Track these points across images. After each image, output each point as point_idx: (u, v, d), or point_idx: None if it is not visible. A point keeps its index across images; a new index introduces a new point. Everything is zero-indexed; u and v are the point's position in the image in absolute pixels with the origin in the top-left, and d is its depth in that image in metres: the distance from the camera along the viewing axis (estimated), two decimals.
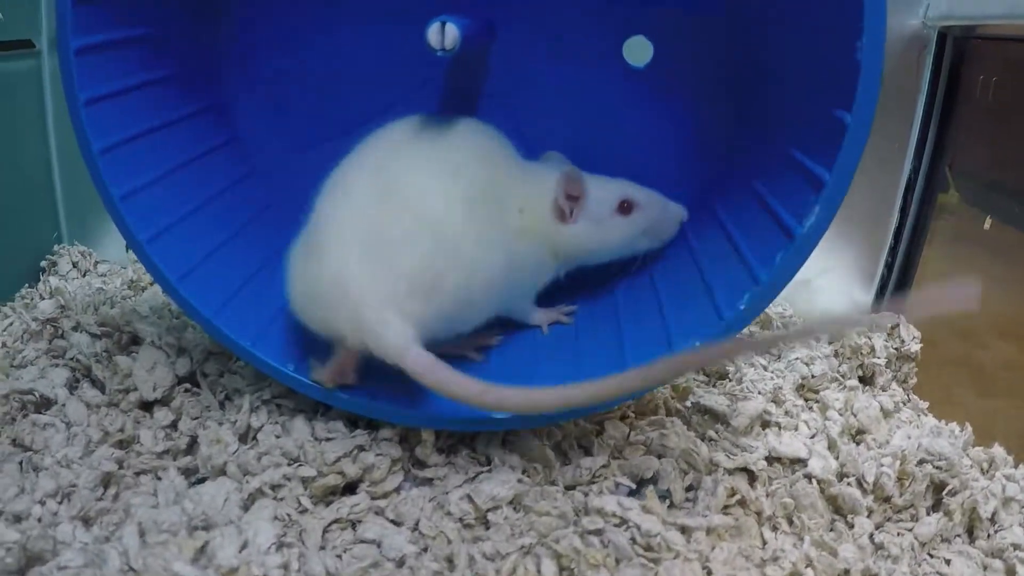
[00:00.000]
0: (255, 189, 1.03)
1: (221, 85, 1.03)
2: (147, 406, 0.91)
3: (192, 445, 0.86)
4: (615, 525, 0.74)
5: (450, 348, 0.86)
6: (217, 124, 1.02)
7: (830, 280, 1.23)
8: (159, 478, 0.81)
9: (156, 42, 0.90)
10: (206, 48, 1.00)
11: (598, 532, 0.73)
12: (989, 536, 0.81)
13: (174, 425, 0.88)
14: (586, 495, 0.80)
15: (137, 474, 0.82)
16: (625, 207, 0.91)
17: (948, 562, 0.78)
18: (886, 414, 0.99)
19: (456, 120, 0.89)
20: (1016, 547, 0.78)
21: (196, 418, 0.89)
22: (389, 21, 0.95)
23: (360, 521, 0.78)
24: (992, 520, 0.82)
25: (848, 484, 0.84)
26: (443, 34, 0.79)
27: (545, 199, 0.89)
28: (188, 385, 0.93)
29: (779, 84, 0.88)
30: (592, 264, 0.95)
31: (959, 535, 0.82)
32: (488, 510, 0.78)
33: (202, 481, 0.81)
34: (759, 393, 0.98)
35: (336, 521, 0.77)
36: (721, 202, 0.93)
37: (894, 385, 1.08)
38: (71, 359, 0.98)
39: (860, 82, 0.66)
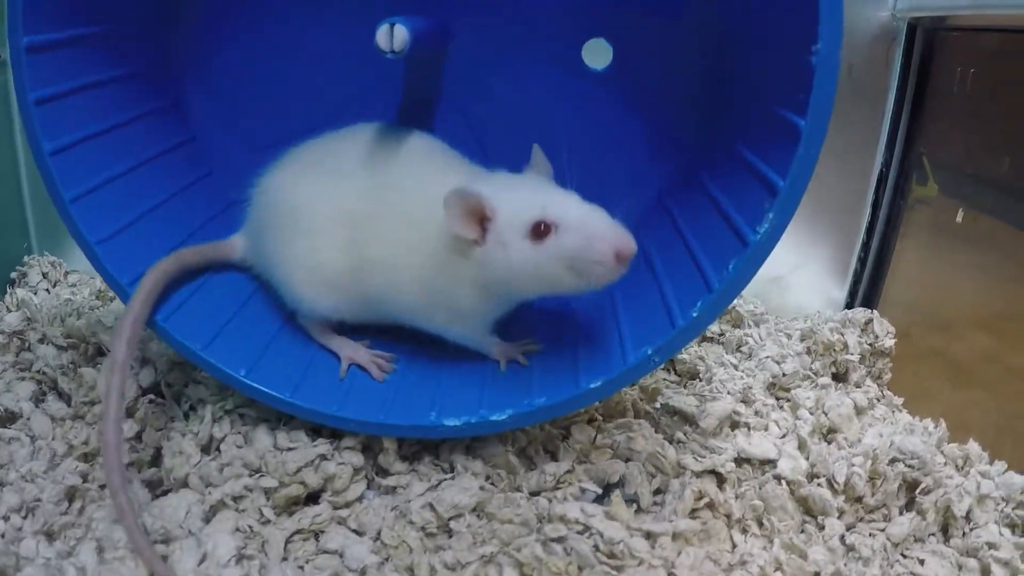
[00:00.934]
0: (213, 190, 1.02)
1: (177, 85, 1.01)
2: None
3: (157, 456, 0.85)
4: (578, 532, 0.73)
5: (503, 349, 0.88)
6: (174, 125, 1.00)
7: (803, 276, 1.22)
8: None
9: (110, 41, 0.88)
10: (161, 47, 0.99)
11: (560, 539, 0.72)
12: (964, 535, 0.80)
13: (139, 437, 0.87)
14: (551, 501, 0.79)
15: (102, 487, 0.81)
16: (540, 230, 0.75)
17: (922, 562, 0.77)
18: (859, 411, 0.98)
19: (396, 131, 0.89)
20: (991, 546, 0.77)
21: (160, 429, 0.88)
22: (345, 21, 0.93)
23: (323, 531, 0.77)
24: (967, 518, 0.81)
25: (818, 485, 0.83)
26: (392, 36, 0.77)
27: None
28: (153, 396, 0.92)
29: (737, 88, 0.86)
30: (523, 298, 0.85)
31: (933, 534, 0.81)
32: (450, 518, 0.77)
33: (166, 493, 0.80)
34: (728, 393, 0.97)
35: (299, 531, 0.77)
36: (679, 207, 0.91)
37: (868, 381, 1.07)
38: (37, 372, 0.97)
39: (815, 87, 0.65)
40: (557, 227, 0.75)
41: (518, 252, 0.76)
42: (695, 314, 0.73)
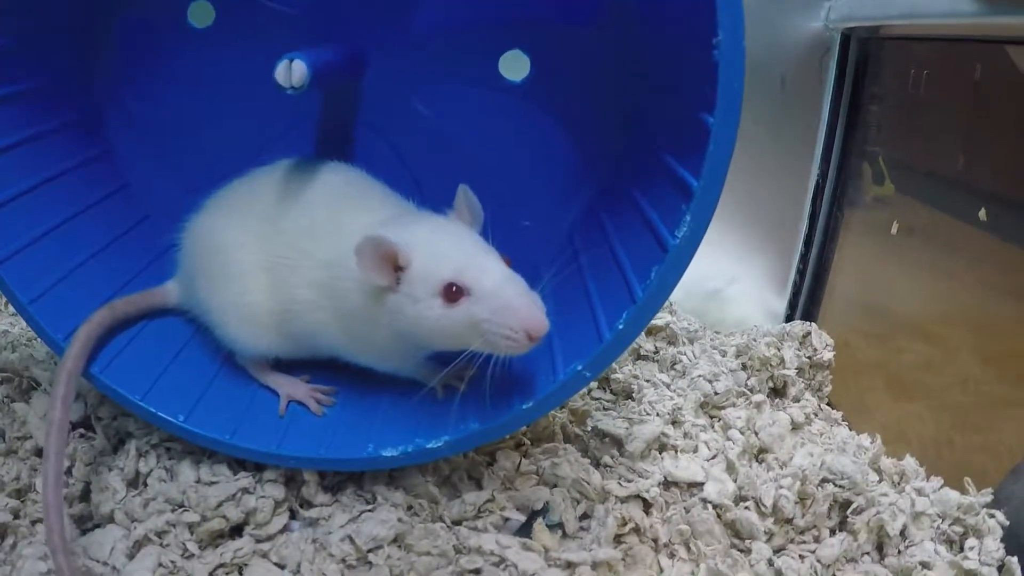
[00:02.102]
0: (150, 235, 1.00)
1: (105, 132, 1.00)
2: (42, 453, 0.87)
3: (87, 491, 0.83)
4: (493, 564, 0.72)
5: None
6: (105, 173, 0.98)
7: (741, 289, 1.21)
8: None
9: (32, 98, 0.87)
10: (85, 96, 0.97)
11: (476, 572, 0.71)
12: (900, 552, 0.79)
13: (69, 472, 0.85)
14: (473, 531, 0.77)
15: (33, 523, 0.79)
16: (452, 292, 0.72)
17: None
18: (796, 427, 0.97)
19: (316, 166, 0.88)
20: (924, 565, 0.76)
21: (89, 464, 0.86)
22: (265, 57, 0.90)
23: (246, 564, 0.76)
24: (903, 536, 0.80)
25: (746, 508, 0.81)
26: (291, 71, 0.76)
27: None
28: (83, 430, 0.90)
29: (655, 93, 0.85)
30: (431, 350, 0.83)
31: (867, 553, 0.80)
32: (369, 550, 0.76)
33: (96, 528, 0.79)
34: (657, 415, 0.95)
35: (221, 565, 0.75)
36: (608, 216, 0.90)
37: (807, 395, 1.06)
38: None
39: (720, 82, 0.63)
40: (470, 293, 0.72)
41: (428, 310, 0.74)
42: (621, 326, 0.70)
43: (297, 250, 0.82)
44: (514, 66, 0.95)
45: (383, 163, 0.94)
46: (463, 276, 0.72)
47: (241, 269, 0.84)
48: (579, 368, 0.73)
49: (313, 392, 0.90)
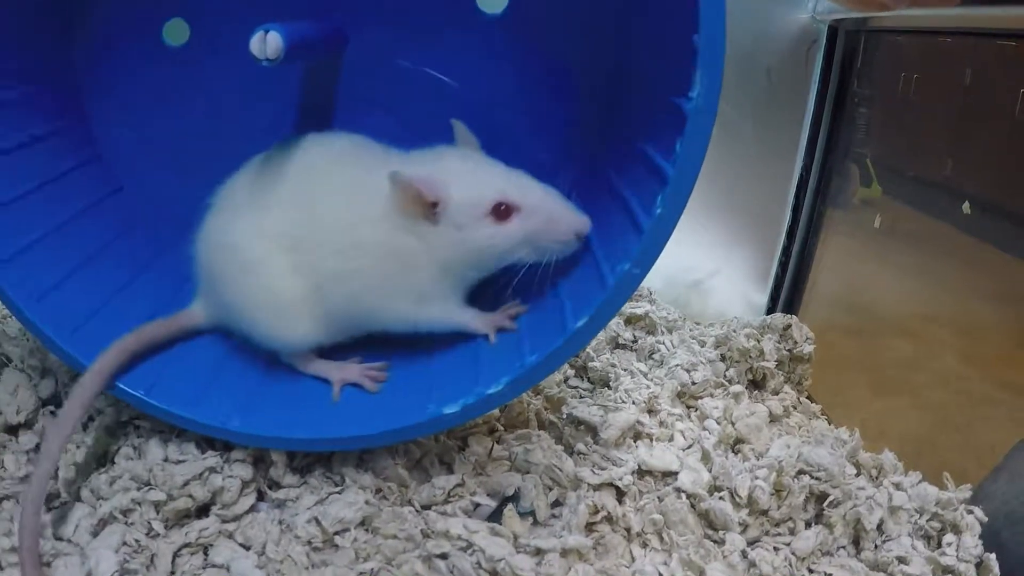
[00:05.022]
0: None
1: (96, 140, 0.98)
2: (12, 430, 0.86)
3: (56, 469, 0.81)
4: (460, 549, 0.70)
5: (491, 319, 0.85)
6: (97, 177, 0.97)
7: (722, 281, 1.21)
8: (19, 504, 0.77)
9: (20, 106, 0.87)
10: (71, 95, 0.96)
11: (444, 556, 0.70)
12: (876, 547, 0.78)
13: (38, 448, 0.84)
14: (442, 515, 0.76)
15: (0, 500, 0.78)
16: (502, 211, 0.78)
17: None
18: (774, 419, 0.96)
19: (311, 139, 0.86)
20: (901, 560, 0.75)
21: None
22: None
23: (211, 545, 0.75)
24: (880, 530, 0.79)
25: (720, 498, 0.80)
26: (265, 43, 0.74)
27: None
28: (53, 407, 0.89)
29: (635, 78, 0.84)
30: (478, 274, 0.84)
31: (843, 547, 0.79)
32: (335, 533, 0.75)
33: (63, 505, 0.79)
34: (633, 403, 0.94)
35: (187, 545, 0.74)
36: (588, 204, 0.88)
37: (787, 388, 1.05)
38: None
39: (698, 67, 0.62)
40: (520, 209, 0.78)
41: (478, 231, 0.78)
42: (659, 209, 0.68)
43: (316, 223, 0.81)
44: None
45: (381, 130, 0.91)
46: (509, 195, 0.78)
47: (261, 259, 0.82)
48: (627, 267, 0.70)
49: (365, 371, 0.88)
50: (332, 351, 0.89)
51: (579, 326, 0.71)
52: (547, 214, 0.78)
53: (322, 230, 0.81)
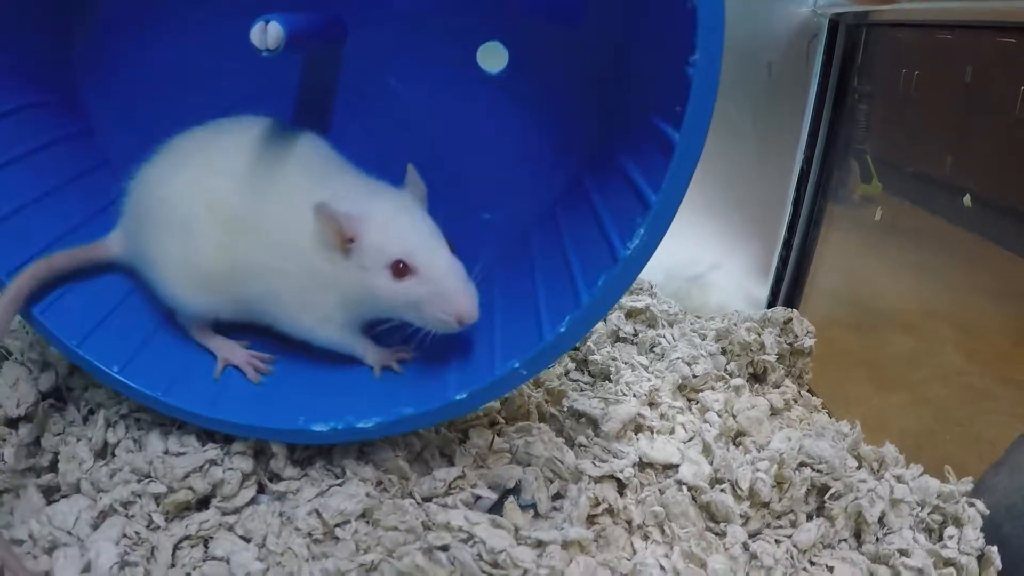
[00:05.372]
0: (104, 185, 0.97)
1: (71, 79, 0.97)
2: (12, 423, 0.86)
3: (55, 462, 0.82)
4: (461, 541, 0.70)
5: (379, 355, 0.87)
6: (64, 116, 0.96)
7: (723, 275, 1.21)
8: (19, 497, 0.78)
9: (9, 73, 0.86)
10: (55, 46, 0.95)
11: (444, 548, 0.69)
12: (878, 540, 0.78)
13: (37, 442, 0.84)
14: (443, 507, 0.76)
15: (0, 493, 0.78)
16: (399, 268, 0.78)
17: (831, 569, 0.75)
18: (775, 412, 0.96)
19: (282, 129, 0.87)
20: (903, 553, 0.75)
21: (59, 434, 0.85)
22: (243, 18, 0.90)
23: (211, 537, 0.75)
24: (881, 523, 0.79)
25: (721, 490, 0.80)
26: (266, 33, 0.74)
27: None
28: (53, 400, 0.89)
29: (630, 100, 0.84)
30: (377, 315, 0.85)
31: (845, 540, 0.79)
32: (336, 525, 0.74)
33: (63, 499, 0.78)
34: (634, 395, 0.94)
35: (187, 537, 0.74)
36: (567, 217, 0.88)
37: (788, 381, 1.05)
38: None
39: (691, 100, 0.62)
40: (415, 273, 0.78)
41: (375, 279, 0.79)
42: (562, 329, 0.71)
43: (256, 212, 0.81)
44: (492, 58, 0.93)
45: (353, 140, 0.93)
46: (412, 257, 0.78)
47: (190, 223, 0.83)
48: (516, 366, 0.73)
49: (252, 359, 0.89)
50: (226, 328, 0.90)
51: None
52: (438, 288, 0.78)
53: (258, 222, 0.81)
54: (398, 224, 0.80)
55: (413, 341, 0.85)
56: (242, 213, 0.81)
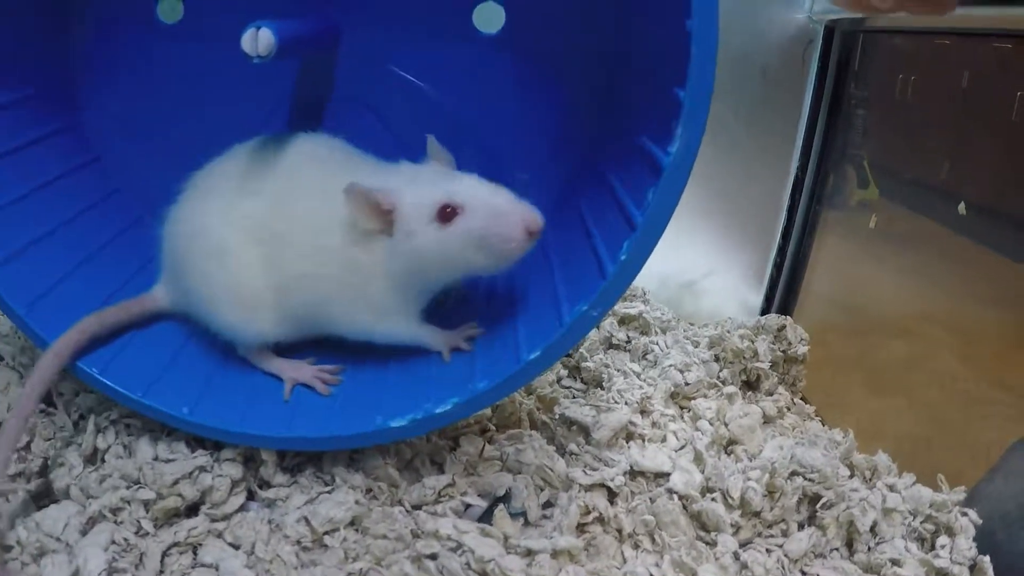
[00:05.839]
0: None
1: (89, 139, 0.99)
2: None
3: (45, 467, 0.82)
4: (450, 549, 0.70)
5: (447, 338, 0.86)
6: (92, 179, 0.98)
7: (717, 282, 1.20)
8: (8, 502, 0.77)
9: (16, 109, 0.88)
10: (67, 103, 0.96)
11: (433, 556, 0.69)
12: (870, 549, 0.78)
13: (27, 447, 0.84)
14: (432, 515, 0.76)
15: None
16: (447, 212, 0.76)
17: None
18: (768, 420, 0.96)
19: (292, 138, 0.86)
20: (895, 562, 0.75)
21: (49, 439, 0.85)
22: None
23: (200, 544, 0.75)
24: (873, 532, 0.79)
25: (712, 499, 0.80)
26: (256, 40, 0.74)
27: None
28: (43, 405, 0.88)
29: (633, 70, 0.83)
30: (437, 284, 0.84)
31: (836, 549, 0.79)
32: (325, 532, 0.74)
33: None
34: (626, 403, 0.94)
35: (175, 545, 0.74)
36: (584, 198, 0.88)
37: (781, 389, 1.05)
38: None
39: (692, 59, 0.61)
40: (464, 209, 0.76)
41: (426, 237, 0.77)
42: (623, 257, 0.68)
43: (288, 221, 0.81)
44: (488, 18, 0.93)
45: (369, 132, 0.92)
46: (453, 196, 0.76)
47: (229, 248, 0.82)
48: (584, 308, 0.70)
49: (319, 373, 0.88)
50: (287, 349, 0.90)
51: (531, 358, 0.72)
52: (492, 210, 0.76)
53: (294, 230, 0.81)
54: (429, 178, 0.79)
55: (475, 318, 0.86)
56: (275, 227, 0.81)
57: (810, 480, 0.81)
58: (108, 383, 0.81)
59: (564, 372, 1.03)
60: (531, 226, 0.75)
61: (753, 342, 1.06)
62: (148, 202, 0.97)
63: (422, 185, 0.78)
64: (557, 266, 0.82)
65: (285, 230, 0.81)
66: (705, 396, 0.99)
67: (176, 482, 0.77)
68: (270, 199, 0.82)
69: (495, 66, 0.94)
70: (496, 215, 0.75)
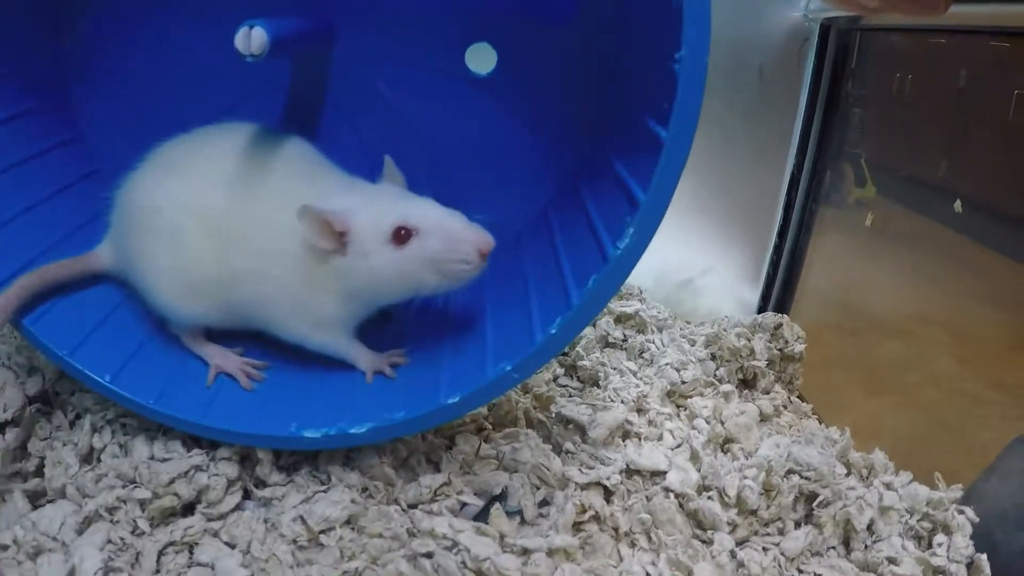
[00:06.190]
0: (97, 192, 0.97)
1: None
2: None
3: (41, 466, 0.82)
4: (445, 548, 0.70)
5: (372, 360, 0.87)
6: (57, 123, 0.96)
7: (713, 279, 1.20)
8: (4, 501, 0.78)
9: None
10: (49, 52, 0.95)
11: (429, 555, 0.69)
12: (866, 547, 0.77)
13: (23, 446, 0.84)
14: (428, 514, 0.76)
15: None
16: (400, 235, 0.78)
17: None
18: (764, 418, 0.95)
19: (267, 134, 0.86)
20: (891, 560, 0.75)
21: (45, 439, 0.85)
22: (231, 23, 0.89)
23: (197, 543, 0.75)
24: (870, 530, 0.78)
25: (709, 498, 0.80)
26: (250, 38, 0.73)
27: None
28: (40, 405, 0.89)
29: (618, 101, 0.83)
30: (385, 303, 0.85)
31: (833, 547, 0.78)
32: (321, 531, 0.74)
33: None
34: (622, 402, 0.94)
35: (171, 544, 0.74)
36: (559, 220, 0.88)
37: (777, 387, 1.04)
38: None
39: (678, 96, 0.61)
40: (418, 231, 0.78)
41: (380, 258, 0.78)
42: (553, 331, 0.70)
43: (244, 218, 0.81)
44: (481, 59, 0.93)
45: (343, 144, 0.93)
46: (408, 218, 0.78)
47: (180, 231, 0.82)
48: (508, 368, 0.73)
49: (244, 365, 0.88)
50: (220, 335, 0.90)
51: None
52: (445, 233, 0.77)
53: (247, 228, 0.81)
54: (385, 200, 0.80)
55: (406, 346, 0.86)
56: (231, 219, 0.81)
57: (807, 478, 0.81)
58: (39, 337, 0.81)
59: (560, 370, 1.03)
60: (483, 247, 0.77)
61: (750, 340, 1.06)
62: (110, 160, 0.96)
63: (378, 206, 0.79)
64: (533, 289, 0.83)
65: (241, 230, 0.81)
66: (701, 394, 0.99)
67: (172, 481, 0.77)
68: (230, 195, 0.82)
69: (482, 103, 0.95)
70: (449, 238, 0.77)
